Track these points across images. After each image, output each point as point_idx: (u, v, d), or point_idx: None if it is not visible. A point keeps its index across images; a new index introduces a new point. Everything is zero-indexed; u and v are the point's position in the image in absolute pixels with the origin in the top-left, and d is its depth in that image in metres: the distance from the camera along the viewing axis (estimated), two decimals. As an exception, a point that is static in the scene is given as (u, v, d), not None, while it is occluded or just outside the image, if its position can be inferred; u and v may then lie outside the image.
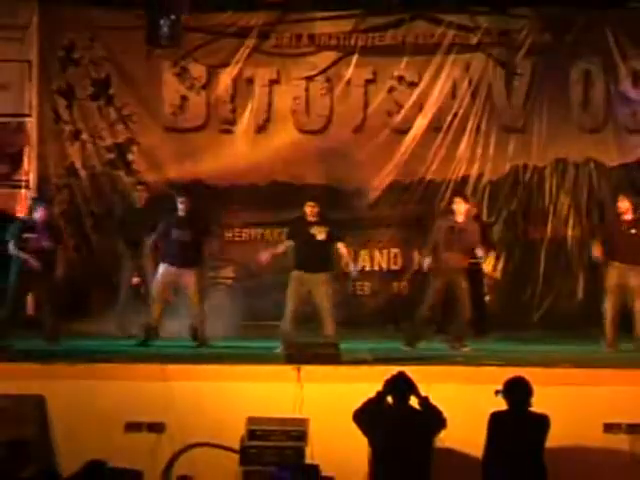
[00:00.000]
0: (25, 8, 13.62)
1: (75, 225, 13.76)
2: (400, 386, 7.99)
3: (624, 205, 11.30)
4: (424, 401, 8.00)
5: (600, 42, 13.58)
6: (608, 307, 11.22)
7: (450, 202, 12.10)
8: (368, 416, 7.98)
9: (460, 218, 11.56)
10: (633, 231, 11.24)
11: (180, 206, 11.76)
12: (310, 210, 11.34)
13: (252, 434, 8.84)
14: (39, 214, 11.61)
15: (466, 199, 11.86)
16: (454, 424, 8.14)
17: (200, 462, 8.99)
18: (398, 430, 7.83)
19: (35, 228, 11.53)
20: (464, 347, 11.23)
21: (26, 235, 11.46)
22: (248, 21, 13.82)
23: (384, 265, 14.00)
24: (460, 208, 11.55)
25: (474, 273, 12.02)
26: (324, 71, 13.97)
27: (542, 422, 7.93)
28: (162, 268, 11.68)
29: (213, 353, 10.92)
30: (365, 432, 7.97)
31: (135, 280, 12.67)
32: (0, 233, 11.89)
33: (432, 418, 7.95)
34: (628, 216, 11.27)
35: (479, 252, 11.62)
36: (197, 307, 11.63)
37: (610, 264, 11.26)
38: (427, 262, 11.50)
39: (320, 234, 11.22)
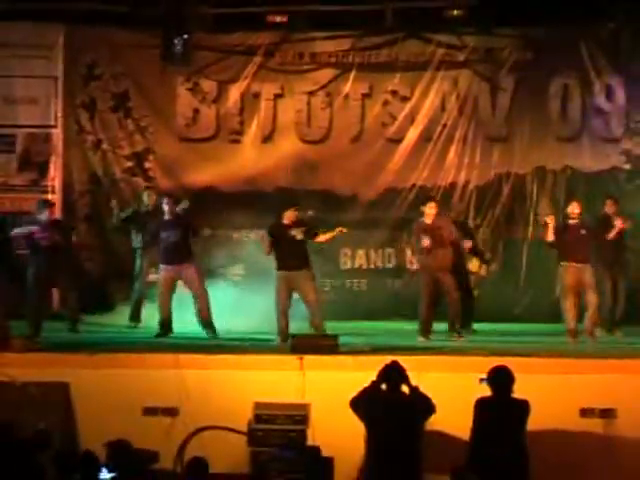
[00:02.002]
0: (52, 29, 13.66)
1: (96, 227, 13.77)
2: (393, 375, 7.99)
3: (574, 210, 11.33)
4: (414, 390, 7.99)
5: (576, 59, 13.56)
6: (569, 305, 11.17)
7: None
8: (364, 403, 7.99)
9: (428, 220, 11.55)
10: (583, 232, 11.25)
11: (167, 210, 11.68)
12: (292, 215, 11.30)
13: (258, 418, 8.85)
14: (45, 214, 11.55)
15: (434, 200, 11.85)
16: (443, 409, 8.14)
17: (211, 443, 8.97)
18: (391, 415, 7.85)
19: (42, 226, 11.46)
20: (460, 337, 11.30)
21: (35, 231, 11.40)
22: (255, 41, 13.83)
23: (379, 264, 14.00)
24: (428, 211, 11.56)
25: (459, 269, 11.98)
26: (324, 86, 13.97)
27: (523, 407, 7.94)
28: (161, 268, 11.68)
29: (222, 344, 10.89)
30: (361, 417, 7.98)
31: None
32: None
33: (422, 405, 7.95)
34: (575, 220, 11.28)
35: (466, 244, 11.84)
36: (202, 298, 11.58)
37: (568, 265, 11.25)
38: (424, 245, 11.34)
39: (299, 234, 11.24)
